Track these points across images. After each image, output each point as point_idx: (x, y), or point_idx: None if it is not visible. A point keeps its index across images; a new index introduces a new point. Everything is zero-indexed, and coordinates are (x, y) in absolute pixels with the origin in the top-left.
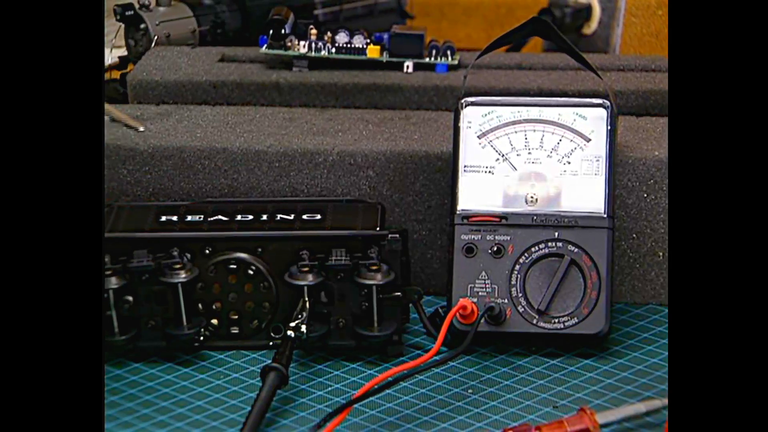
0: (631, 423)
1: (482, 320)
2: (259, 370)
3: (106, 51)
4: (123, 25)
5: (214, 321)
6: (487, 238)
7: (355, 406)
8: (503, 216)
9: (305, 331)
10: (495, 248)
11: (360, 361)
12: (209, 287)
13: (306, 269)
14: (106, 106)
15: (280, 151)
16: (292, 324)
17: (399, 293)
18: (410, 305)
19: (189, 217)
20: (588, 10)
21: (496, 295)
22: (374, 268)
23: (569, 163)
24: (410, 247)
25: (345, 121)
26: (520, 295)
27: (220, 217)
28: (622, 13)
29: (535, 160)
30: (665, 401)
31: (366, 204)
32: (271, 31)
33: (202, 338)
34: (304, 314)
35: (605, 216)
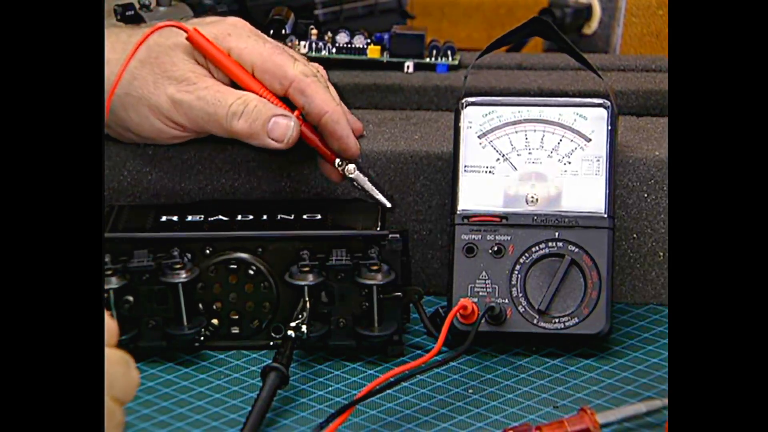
0: (632, 423)
1: (483, 320)
2: (259, 370)
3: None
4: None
5: (215, 321)
6: (488, 238)
7: (356, 406)
8: (504, 216)
9: (306, 331)
10: (495, 248)
11: (360, 361)
12: (210, 287)
13: (306, 269)
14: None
15: (281, 150)
16: (293, 324)
17: (399, 293)
18: (411, 305)
19: (189, 217)
20: (588, 10)
21: (497, 295)
22: (375, 268)
23: (570, 163)
24: (411, 247)
25: None
26: (520, 295)
27: (220, 217)
28: (623, 13)
29: (536, 160)
30: (666, 401)
31: (366, 204)
32: (271, 31)
33: (202, 338)
34: (305, 314)
35: (606, 216)
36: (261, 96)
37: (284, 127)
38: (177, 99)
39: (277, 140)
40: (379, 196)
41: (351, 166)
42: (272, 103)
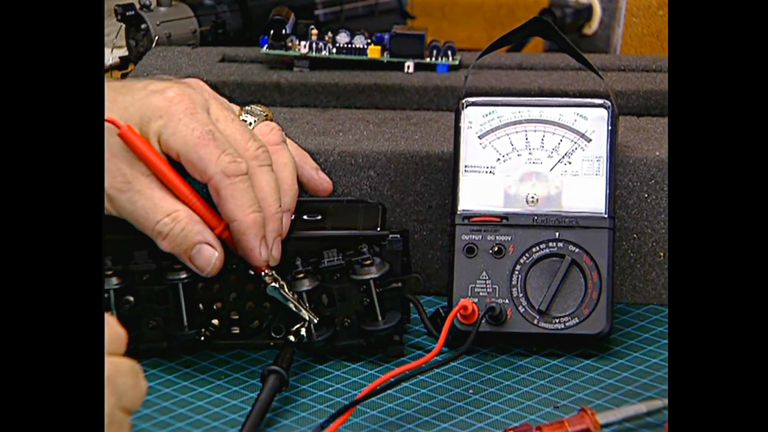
0: (632, 423)
1: (483, 320)
2: (260, 370)
3: (107, 51)
4: (124, 26)
5: (215, 321)
6: (488, 239)
7: (357, 406)
8: (504, 216)
9: (305, 334)
10: (496, 248)
11: (361, 361)
12: (210, 287)
13: (301, 275)
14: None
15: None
16: (293, 329)
17: (398, 284)
18: (411, 306)
19: None
20: (589, 10)
21: (497, 295)
22: (368, 262)
23: (570, 163)
24: (411, 248)
25: (346, 122)
26: (521, 295)
27: None
28: (623, 13)
29: (536, 160)
30: (666, 401)
31: (367, 204)
32: (271, 32)
33: (203, 338)
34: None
35: (606, 216)
36: (194, 208)
37: (206, 258)
38: (109, 194)
39: (198, 268)
40: (302, 311)
41: (268, 279)
42: (204, 218)
